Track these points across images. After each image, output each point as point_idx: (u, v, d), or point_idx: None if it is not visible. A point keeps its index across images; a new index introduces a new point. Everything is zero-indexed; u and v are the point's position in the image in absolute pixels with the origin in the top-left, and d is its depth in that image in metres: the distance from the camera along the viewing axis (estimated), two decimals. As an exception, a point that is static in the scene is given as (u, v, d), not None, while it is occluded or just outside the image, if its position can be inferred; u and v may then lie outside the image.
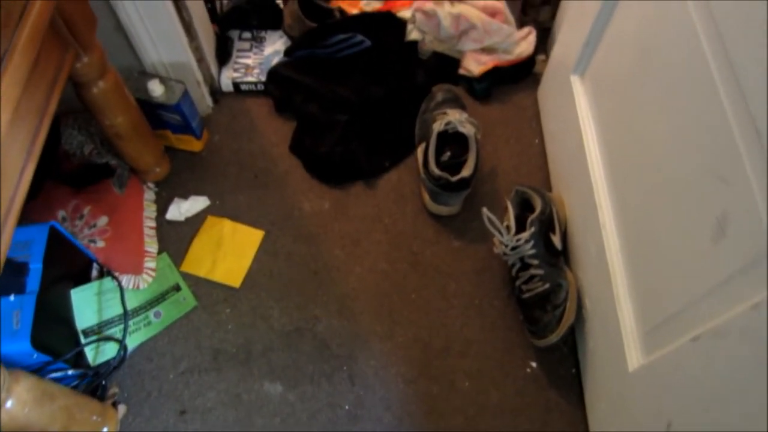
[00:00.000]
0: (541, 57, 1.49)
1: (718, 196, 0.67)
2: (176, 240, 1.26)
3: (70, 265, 1.11)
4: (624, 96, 0.97)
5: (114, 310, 1.13)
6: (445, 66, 1.46)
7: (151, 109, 1.23)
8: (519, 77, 1.47)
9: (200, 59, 1.31)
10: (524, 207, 1.19)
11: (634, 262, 0.90)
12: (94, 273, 1.16)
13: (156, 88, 1.19)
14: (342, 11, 1.42)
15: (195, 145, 1.35)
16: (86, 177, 1.25)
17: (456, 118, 1.25)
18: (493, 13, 1.39)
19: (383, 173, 1.34)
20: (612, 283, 0.94)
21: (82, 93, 1.04)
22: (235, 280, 1.21)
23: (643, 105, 0.89)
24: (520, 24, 1.52)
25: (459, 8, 1.37)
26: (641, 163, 0.89)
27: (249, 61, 1.45)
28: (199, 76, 1.32)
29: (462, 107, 1.35)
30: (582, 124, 1.11)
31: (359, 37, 1.37)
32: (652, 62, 0.86)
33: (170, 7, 1.15)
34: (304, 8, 1.39)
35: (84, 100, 1.06)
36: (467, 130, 1.23)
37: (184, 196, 1.30)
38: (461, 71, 1.45)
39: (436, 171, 1.19)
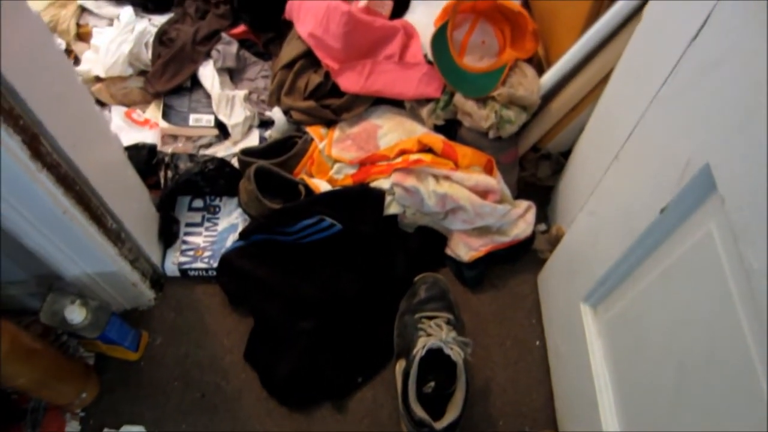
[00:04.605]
0: (540, 227, 1.28)
1: None
2: (103, 487, 1.04)
3: None
4: (654, 377, 0.76)
5: None
6: (430, 243, 1.25)
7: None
8: (515, 258, 1.25)
9: (135, 258, 1.09)
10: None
11: None
12: None
13: (75, 316, 0.97)
14: (307, 187, 1.21)
15: (131, 355, 1.13)
16: (-8, 414, 1.03)
17: (442, 338, 1.04)
18: (485, 192, 1.17)
19: (355, 391, 1.12)
20: None
21: (-34, 365, 0.82)
22: None
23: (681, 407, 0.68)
24: (517, 181, 1.31)
25: (445, 187, 1.16)
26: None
27: (199, 240, 1.23)
28: (135, 277, 1.10)
29: (449, 307, 1.14)
30: (595, 373, 0.91)
31: (328, 221, 1.16)
32: (689, 376, 0.66)
33: (84, 223, 0.92)
34: (261, 185, 1.17)
35: (-30, 369, 0.84)
36: (454, 354, 1.02)
37: (116, 425, 1.08)
38: (448, 252, 1.24)
39: (417, 412, 0.98)
